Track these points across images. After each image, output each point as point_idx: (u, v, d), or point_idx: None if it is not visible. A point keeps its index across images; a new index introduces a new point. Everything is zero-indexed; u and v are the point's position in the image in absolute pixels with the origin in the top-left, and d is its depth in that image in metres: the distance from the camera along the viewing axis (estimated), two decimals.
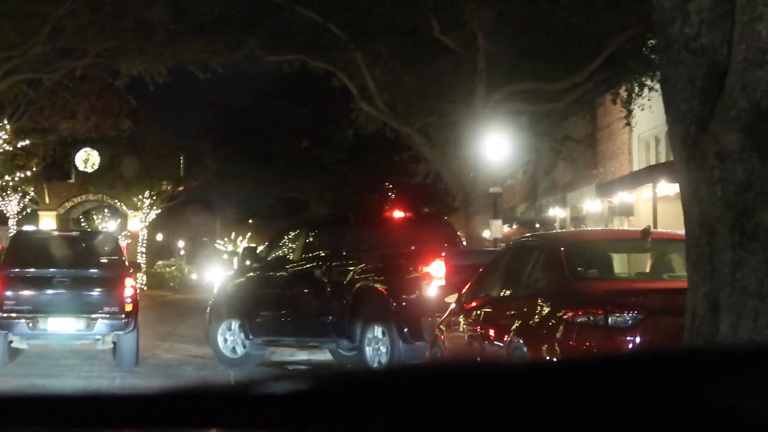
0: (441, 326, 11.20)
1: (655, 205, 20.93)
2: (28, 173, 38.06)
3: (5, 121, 31.58)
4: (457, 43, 23.51)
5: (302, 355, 17.72)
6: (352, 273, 14.49)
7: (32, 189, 44.12)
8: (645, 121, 26.27)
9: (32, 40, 24.89)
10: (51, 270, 15.50)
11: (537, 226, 31.88)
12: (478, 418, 1.60)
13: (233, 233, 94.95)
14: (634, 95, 25.03)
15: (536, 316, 9.01)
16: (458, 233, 17.30)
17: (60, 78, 28.98)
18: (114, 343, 15.55)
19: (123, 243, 39.85)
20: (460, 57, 24.05)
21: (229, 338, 16.79)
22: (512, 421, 1.60)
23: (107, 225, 53.17)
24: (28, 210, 46.70)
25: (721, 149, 6.38)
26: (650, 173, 22.11)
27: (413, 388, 1.68)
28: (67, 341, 15.78)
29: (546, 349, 8.64)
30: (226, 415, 1.65)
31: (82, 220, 54.49)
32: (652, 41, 23.49)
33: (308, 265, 15.48)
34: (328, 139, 41.70)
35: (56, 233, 19.53)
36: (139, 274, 37.92)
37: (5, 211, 43.81)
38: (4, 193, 42.25)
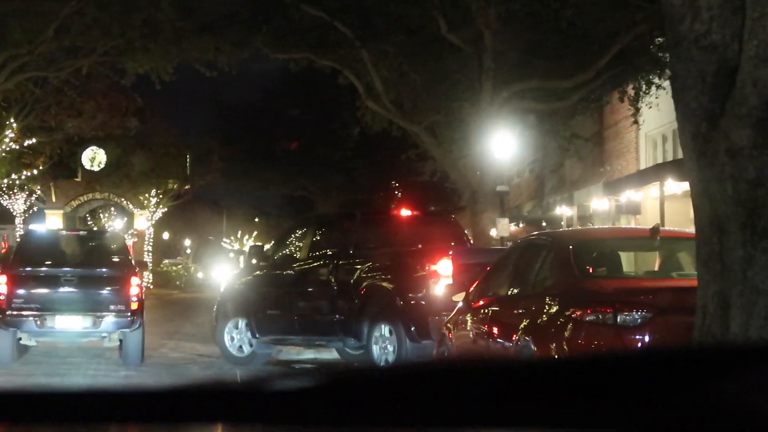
0: (448, 325, 11.15)
1: (663, 203, 20.86)
2: (35, 172, 38.05)
3: (12, 120, 31.59)
4: (463, 41, 23.47)
5: (309, 354, 17.69)
6: (359, 271, 14.45)
7: (39, 187, 44.15)
8: (652, 119, 26.20)
9: (39, 39, 24.89)
10: (58, 269, 15.79)
11: (544, 224, 31.83)
12: (486, 415, 1.60)
13: (240, 232, 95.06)
14: (641, 93, 24.97)
15: (544, 315, 8.96)
16: (465, 231, 17.24)
17: (66, 76, 28.98)
18: (120, 340, 15.84)
19: (129, 242, 39.89)
20: (467, 55, 24.00)
21: (236, 337, 16.76)
22: (520, 418, 1.60)
23: (114, 223, 53.18)
24: (35, 208, 46.74)
25: (731, 146, 6.33)
26: (657, 171, 22.04)
27: (420, 386, 1.68)
28: (74, 339, 16.04)
29: (554, 347, 8.58)
30: (235, 412, 1.66)
31: (89, 218, 54.53)
32: (659, 39, 23.46)
33: (315, 264, 15.45)
34: (334, 138, 41.67)
35: (64, 233, 19.91)
36: (145, 273, 38.03)
37: (12, 210, 43.85)
38: (11, 192, 42.29)
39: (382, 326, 13.90)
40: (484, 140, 24.17)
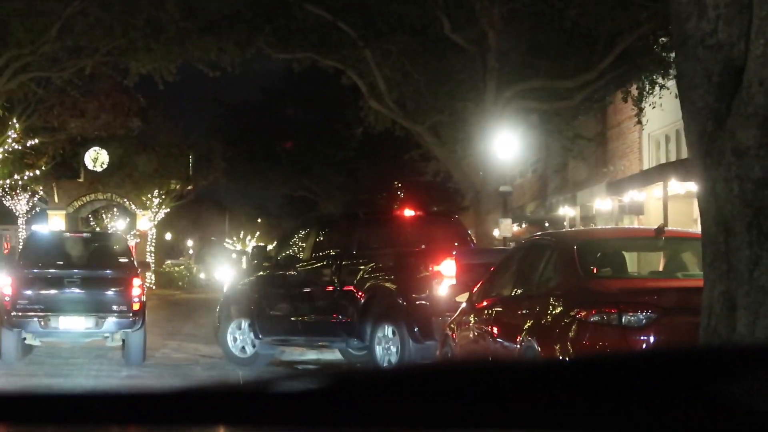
0: (452, 326, 11.11)
1: (666, 203, 20.80)
2: (38, 172, 38.03)
3: (15, 120, 31.57)
4: (467, 41, 23.45)
5: (311, 355, 17.65)
6: (362, 272, 14.42)
7: (41, 188, 44.12)
8: (656, 119, 26.16)
9: (42, 39, 24.88)
10: (62, 270, 16.12)
11: (546, 225, 31.78)
12: (490, 416, 1.59)
13: (242, 232, 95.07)
14: (645, 93, 24.93)
15: (548, 316, 8.92)
16: (469, 232, 17.21)
17: (69, 77, 28.96)
18: (123, 340, 16.17)
19: (132, 242, 39.92)
20: (471, 55, 23.98)
21: (239, 337, 16.73)
22: (524, 420, 1.59)
23: (116, 224, 53.16)
24: (37, 209, 46.71)
25: (738, 146, 6.30)
26: (661, 172, 21.98)
27: (424, 388, 1.67)
28: (78, 339, 16.37)
29: (558, 348, 8.54)
30: (239, 413, 1.65)
31: (91, 219, 54.50)
32: (663, 39, 23.44)
33: (318, 264, 15.42)
34: (337, 138, 41.65)
35: (67, 235, 20.28)
36: (147, 273, 38.05)
37: (14, 210, 43.83)
38: (14, 192, 42.26)
39: (385, 327, 13.86)
40: (488, 140, 24.14)
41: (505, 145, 24.65)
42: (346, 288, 14.61)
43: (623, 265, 9.97)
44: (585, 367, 1.79)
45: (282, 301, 16.00)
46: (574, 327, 8.47)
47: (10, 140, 31.64)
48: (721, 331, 6.45)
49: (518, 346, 9.16)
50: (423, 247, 14.56)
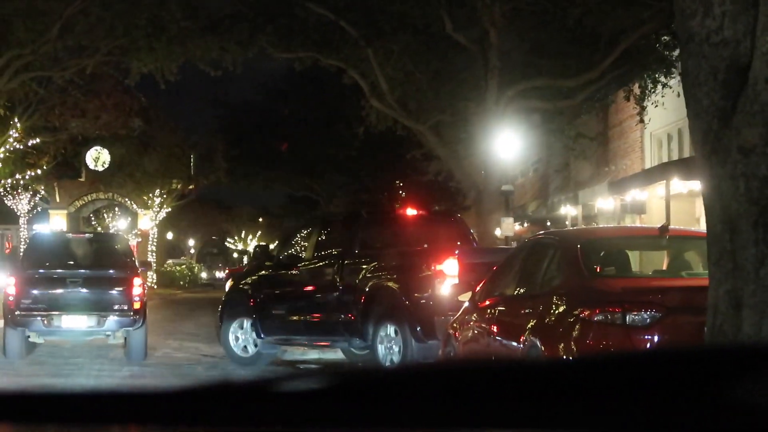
0: (454, 325, 11.07)
1: (668, 202, 20.75)
2: (39, 172, 37.98)
3: (16, 120, 31.54)
4: (469, 40, 23.41)
5: (313, 354, 17.62)
6: (364, 271, 14.38)
7: (43, 187, 44.09)
8: (658, 118, 26.14)
9: (43, 38, 24.85)
10: (65, 271, 16.55)
11: (548, 224, 31.75)
12: (493, 416, 1.59)
13: (243, 232, 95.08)
14: (647, 92, 24.91)
15: (552, 315, 8.87)
16: (471, 231, 17.17)
17: (71, 76, 28.93)
18: (125, 338, 16.64)
19: (133, 242, 39.90)
20: (473, 54, 23.95)
21: (241, 337, 16.71)
22: (528, 419, 1.58)
23: (117, 224, 53.15)
24: (39, 209, 46.69)
25: (744, 144, 6.26)
26: (663, 171, 21.94)
27: (428, 387, 1.67)
28: (80, 337, 16.83)
29: (562, 348, 8.49)
30: (241, 413, 1.65)
31: (93, 218, 54.49)
32: (666, 37, 23.40)
33: (320, 263, 15.39)
34: (339, 137, 41.61)
35: (70, 235, 20.71)
36: (149, 273, 38.05)
37: (16, 210, 43.81)
38: (15, 192, 42.22)
39: (388, 326, 13.83)
40: (489, 139, 24.11)
41: (507, 144, 24.62)
42: (348, 287, 14.57)
43: (627, 264, 9.92)
44: (588, 367, 1.78)
45: (284, 300, 15.98)
46: (577, 326, 8.42)
47: (11, 140, 31.60)
48: (727, 331, 6.41)
49: (521, 345, 9.12)
50: (425, 246, 14.53)
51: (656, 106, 24.91)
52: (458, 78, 24.90)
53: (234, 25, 23.92)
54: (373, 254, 14.61)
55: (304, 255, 16.07)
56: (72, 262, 16.82)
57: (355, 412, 1.63)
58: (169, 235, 72.63)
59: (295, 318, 15.68)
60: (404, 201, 39.18)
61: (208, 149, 48.84)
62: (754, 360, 1.74)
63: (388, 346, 13.83)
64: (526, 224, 35.45)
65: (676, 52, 23.12)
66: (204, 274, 73.30)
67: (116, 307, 16.26)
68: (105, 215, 53.93)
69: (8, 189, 40.17)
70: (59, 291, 16.23)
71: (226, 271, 71.20)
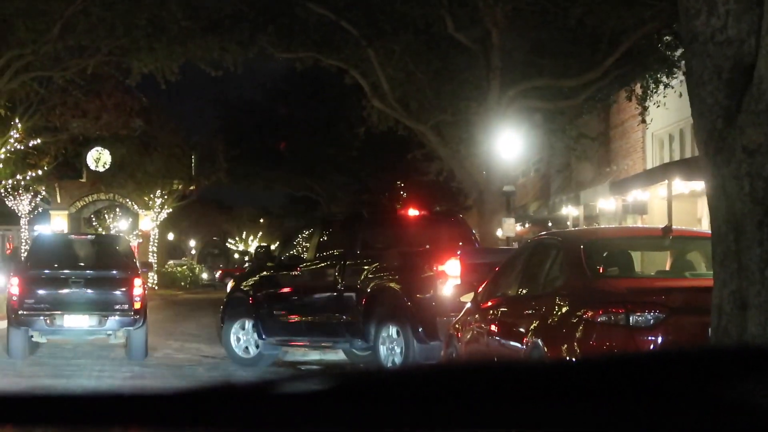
0: (456, 326, 11.04)
1: (670, 203, 20.72)
2: (40, 172, 37.94)
3: (17, 120, 31.51)
4: (470, 40, 23.38)
5: (314, 355, 17.59)
6: (366, 272, 14.35)
7: (44, 188, 44.05)
8: (659, 118, 26.11)
9: (44, 38, 24.81)
10: (67, 271, 16.92)
11: (549, 224, 31.71)
12: (495, 417, 1.58)
13: (244, 232, 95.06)
14: (649, 92, 24.88)
15: (555, 316, 8.84)
16: (473, 231, 17.13)
17: (71, 76, 28.88)
18: (126, 338, 16.98)
19: (134, 242, 39.89)
20: (474, 53, 23.91)
21: (242, 338, 16.68)
22: (531, 421, 1.57)
23: (118, 224, 53.13)
24: (40, 209, 46.66)
25: (748, 143, 6.22)
26: (665, 171, 21.90)
27: (431, 389, 1.66)
28: (82, 336, 17.22)
29: (565, 349, 8.46)
30: (242, 415, 1.64)
31: (94, 219, 54.47)
32: (667, 37, 23.37)
33: (322, 264, 15.36)
34: (340, 137, 41.57)
35: (72, 236, 21.30)
36: (150, 274, 38.04)
37: (17, 211, 43.77)
38: (16, 193, 42.19)
39: (390, 327, 13.80)
40: (491, 139, 24.08)
41: (509, 144, 24.58)
42: (349, 288, 14.54)
43: (630, 264, 9.88)
44: (592, 368, 1.77)
45: (285, 301, 15.95)
46: (580, 327, 8.39)
47: (12, 140, 31.57)
48: (732, 331, 6.37)
49: (524, 346, 9.09)
50: (427, 246, 14.50)
51: (658, 106, 24.88)
52: (459, 78, 24.86)
53: (234, 25, 23.89)
54: (374, 255, 14.57)
55: (305, 256, 16.04)
56: (74, 263, 17.16)
57: (357, 414, 1.62)
58: (170, 236, 72.61)
59: (296, 319, 15.65)
60: (405, 201, 39.16)
61: (209, 149, 48.79)
62: (760, 361, 1.72)
63: (390, 347, 13.80)
64: (527, 225, 35.41)
65: (678, 52, 23.11)
66: (205, 275, 73.27)
67: (117, 307, 16.59)
68: (106, 216, 53.90)
69: (9, 190, 40.14)
70: (62, 291, 16.57)
71: (219, 272, 71.34)
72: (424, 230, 15.62)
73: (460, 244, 14.98)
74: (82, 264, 17.21)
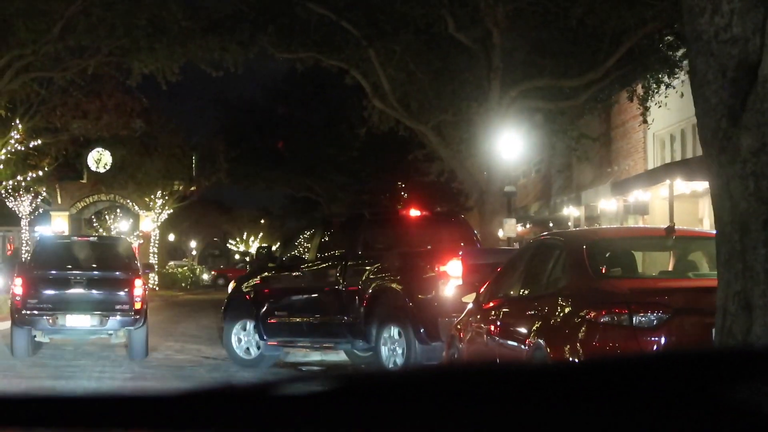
0: (458, 327, 11.00)
1: (672, 203, 20.70)
2: (40, 173, 37.94)
3: (18, 121, 31.48)
4: (471, 40, 23.34)
5: (315, 356, 17.56)
6: (367, 272, 14.31)
7: (44, 189, 44.04)
8: (660, 118, 26.09)
9: (44, 39, 24.80)
10: (69, 272, 17.31)
11: (551, 225, 31.69)
12: (497, 419, 1.56)
13: (245, 233, 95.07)
14: (650, 92, 24.85)
15: (557, 316, 8.79)
16: (475, 231, 17.09)
17: (72, 77, 28.86)
18: (127, 338, 17.33)
19: (135, 243, 39.87)
20: (475, 54, 23.88)
21: (244, 339, 16.65)
22: (533, 423, 1.56)
23: (119, 225, 53.11)
24: (40, 210, 46.63)
25: (753, 142, 6.18)
26: (666, 171, 21.89)
27: (434, 391, 1.65)
28: (84, 336, 17.63)
29: (568, 350, 8.41)
30: (243, 417, 1.63)
31: (94, 220, 54.44)
32: (669, 37, 23.34)
33: (323, 265, 15.32)
34: (340, 138, 41.55)
35: (75, 238, 21.58)
36: (151, 275, 38.03)
37: (17, 212, 43.75)
38: (17, 194, 42.17)
39: (391, 328, 13.76)
40: (492, 140, 24.05)
41: (510, 144, 24.55)
42: (351, 289, 14.50)
43: (633, 264, 9.85)
44: (593, 370, 1.76)
45: (287, 302, 15.91)
46: (583, 328, 8.35)
47: (13, 141, 31.55)
48: (736, 332, 6.33)
49: (526, 347, 9.04)
50: (429, 247, 14.46)
51: (659, 106, 24.85)
52: (460, 78, 24.83)
53: (235, 25, 23.88)
54: (376, 255, 14.54)
55: (306, 256, 16.00)
56: (77, 264, 17.52)
57: (359, 416, 1.61)
58: (171, 237, 72.61)
59: (297, 320, 15.61)
60: (406, 202, 39.13)
61: (209, 150, 48.77)
62: (763, 363, 1.71)
63: (392, 348, 13.76)
64: (528, 225, 35.40)
65: (680, 52, 23.09)
66: (206, 276, 73.27)
67: (118, 307, 16.90)
68: (107, 217, 53.88)
69: (10, 191, 40.12)
70: (64, 291, 16.94)
71: (213, 272, 71.38)
72: (426, 231, 15.58)
73: (462, 244, 14.95)
74: (84, 265, 17.56)
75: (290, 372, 16.30)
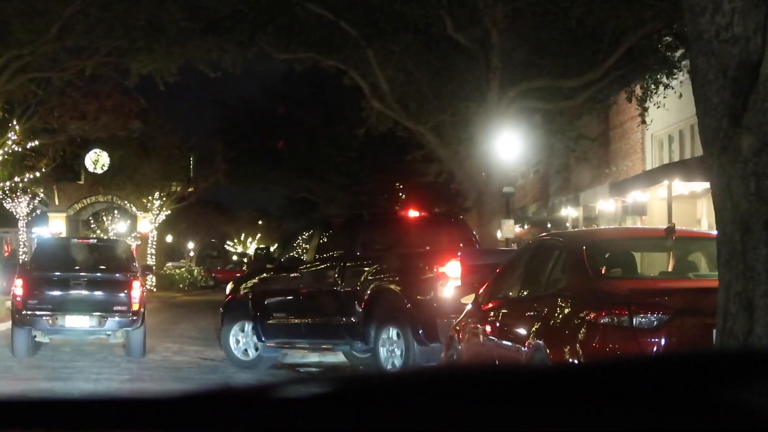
0: (457, 328, 10.97)
1: (670, 204, 20.68)
2: (38, 174, 37.90)
3: (15, 122, 31.44)
4: (470, 40, 23.34)
5: (314, 357, 17.53)
6: (366, 274, 14.27)
7: (42, 190, 43.99)
8: (659, 119, 26.08)
9: (42, 39, 24.75)
10: (69, 273, 17.63)
11: (549, 226, 31.67)
12: (497, 421, 1.56)
13: (243, 234, 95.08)
14: (649, 93, 24.85)
15: (557, 317, 8.77)
16: (474, 232, 17.06)
17: (70, 77, 28.82)
18: (124, 338, 17.66)
19: (133, 245, 39.85)
20: (474, 54, 23.88)
21: (242, 340, 16.63)
22: (532, 425, 1.55)
23: (117, 226, 53.07)
24: (38, 211, 46.58)
25: (755, 142, 6.15)
26: (664, 172, 21.87)
27: (434, 393, 1.64)
28: (83, 336, 17.93)
29: (568, 351, 8.39)
30: (241, 419, 1.62)
31: (92, 221, 54.40)
32: (668, 38, 23.33)
33: (322, 266, 15.29)
34: (339, 138, 41.54)
35: (74, 240, 21.86)
36: (149, 276, 38.02)
37: (15, 213, 43.70)
38: (14, 195, 42.12)
39: (390, 329, 13.72)
40: (491, 140, 24.03)
41: (508, 145, 24.53)
42: (349, 290, 14.46)
43: (633, 265, 9.82)
44: (593, 371, 1.76)
45: (285, 303, 15.88)
46: (583, 329, 8.32)
47: (10, 142, 31.50)
48: (738, 333, 6.30)
49: (526, 348, 9.01)
50: (427, 248, 14.43)
51: (658, 107, 24.85)
52: (459, 78, 24.81)
53: (234, 26, 23.85)
54: (374, 256, 14.50)
55: (305, 257, 15.97)
56: (76, 266, 17.84)
57: (357, 418, 1.60)
58: (169, 238, 72.55)
59: (296, 321, 15.58)
60: (404, 203, 39.11)
61: (207, 151, 48.75)
62: (763, 365, 1.70)
63: (390, 349, 13.72)
64: (526, 226, 35.38)
65: (678, 53, 23.08)
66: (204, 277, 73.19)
67: (116, 308, 17.16)
68: (104, 218, 53.84)
69: (7, 192, 40.07)
70: (64, 292, 17.26)
71: (203, 273, 71.34)
72: (425, 231, 15.55)
73: (461, 245, 14.92)
74: (83, 267, 17.87)
75: (288, 373, 16.27)
